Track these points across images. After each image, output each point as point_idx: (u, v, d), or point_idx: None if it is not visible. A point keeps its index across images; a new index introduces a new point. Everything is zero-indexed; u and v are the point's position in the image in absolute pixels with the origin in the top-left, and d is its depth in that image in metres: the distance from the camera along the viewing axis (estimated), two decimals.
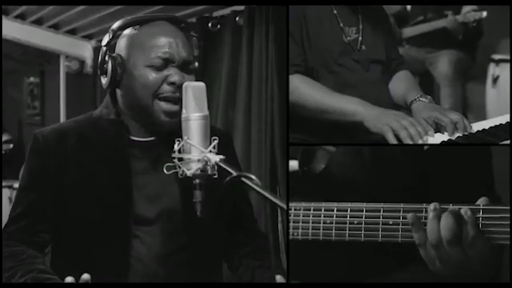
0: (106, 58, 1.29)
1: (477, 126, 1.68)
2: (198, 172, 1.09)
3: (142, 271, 1.27)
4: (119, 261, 1.26)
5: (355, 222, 1.31)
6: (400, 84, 2.02)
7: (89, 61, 4.10)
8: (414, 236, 1.18)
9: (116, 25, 1.31)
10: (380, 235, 1.27)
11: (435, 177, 1.41)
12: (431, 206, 1.16)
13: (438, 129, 1.66)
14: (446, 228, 1.11)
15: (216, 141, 1.11)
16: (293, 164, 1.50)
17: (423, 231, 1.16)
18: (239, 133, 2.98)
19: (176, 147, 1.11)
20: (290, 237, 1.37)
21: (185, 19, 1.41)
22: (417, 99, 1.84)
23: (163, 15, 1.35)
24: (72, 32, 3.94)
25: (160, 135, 1.32)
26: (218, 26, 3.19)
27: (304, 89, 1.71)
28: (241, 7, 3.07)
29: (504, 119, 1.82)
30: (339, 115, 1.66)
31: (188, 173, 1.09)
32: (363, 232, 1.30)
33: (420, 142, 1.51)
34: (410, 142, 1.50)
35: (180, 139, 1.11)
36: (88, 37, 4.03)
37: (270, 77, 2.91)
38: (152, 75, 1.26)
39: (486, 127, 1.69)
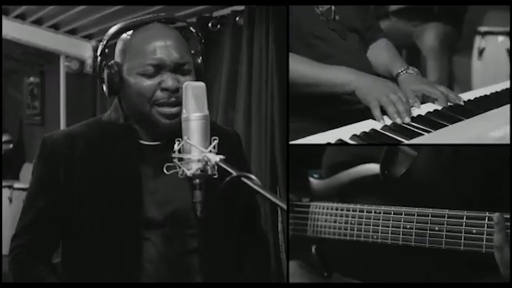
0: (103, 67, 1.28)
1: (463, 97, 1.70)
2: (198, 172, 1.09)
3: (154, 273, 1.27)
4: (131, 264, 1.27)
5: (436, 228, 1.26)
6: (382, 53, 1.97)
7: (89, 61, 4.10)
8: (494, 237, 1.12)
9: (109, 32, 1.31)
10: (462, 243, 1.22)
11: None
12: None
13: (425, 101, 1.67)
14: None
15: (216, 141, 1.11)
16: (374, 167, 1.48)
17: (505, 233, 1.11)
18: (239, 133, 2.98)
19: (176, 147, 1.11)
20: (370, 239, 1.34)
21: (180, 16, 1.39)
22: (404, 71, 1.81)
23: (155, 16, 1.32)
24: (72, 32, 3.95)
25: (164, 139, 1.30)
26: (218, 26, 3.18)
27: (290, 65, 1.66)
28: (241, 7, 3.06)
29: (488, 90, 1.85)
30: (328, 86, 1.62)
31: (188, 173, 1.09)
32: (444, 239, 1.25)
33: (406, 120, 1.47)
34: (397, 119, 1.47)
35: (180, 139, 1.11)
36: (88, 37, 4.03)
37: (270, 77, 2.90)
38: (146, 83, 1.25)
39: (472, 98, 1.72)
